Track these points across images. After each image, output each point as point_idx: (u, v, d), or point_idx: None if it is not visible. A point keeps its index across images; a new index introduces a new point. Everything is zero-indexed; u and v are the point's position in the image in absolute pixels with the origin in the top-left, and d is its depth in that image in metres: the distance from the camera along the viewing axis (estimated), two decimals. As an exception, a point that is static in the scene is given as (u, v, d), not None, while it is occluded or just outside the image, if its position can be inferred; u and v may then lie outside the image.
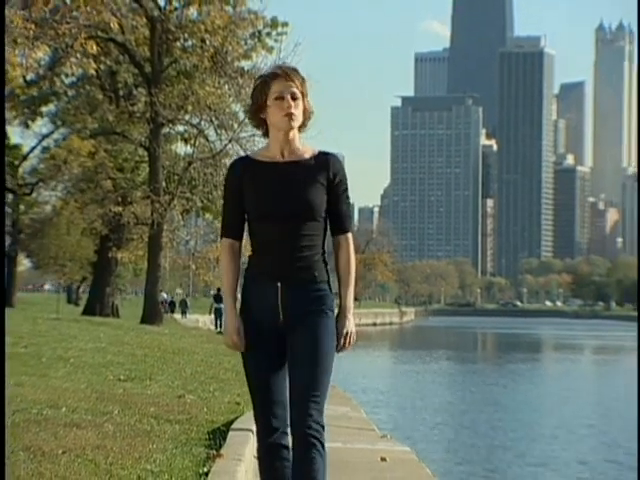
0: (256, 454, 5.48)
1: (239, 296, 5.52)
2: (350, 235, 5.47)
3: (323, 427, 5.20)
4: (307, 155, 5.34)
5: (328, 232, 5.42)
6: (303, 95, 5.31)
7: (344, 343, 5.37)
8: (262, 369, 5.34)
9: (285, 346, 5.31)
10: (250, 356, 5.37)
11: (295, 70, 5.34)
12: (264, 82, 5.31)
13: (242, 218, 5.38)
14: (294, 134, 5.31)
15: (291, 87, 5.27)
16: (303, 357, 5.23)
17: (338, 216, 5.39)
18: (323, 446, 5.19)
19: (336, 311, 5.38)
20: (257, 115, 5.36)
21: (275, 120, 5.28)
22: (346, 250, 5.43)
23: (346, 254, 5.43)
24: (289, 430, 5.30)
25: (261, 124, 5.38)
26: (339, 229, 5.42)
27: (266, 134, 5.39)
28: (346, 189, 5.39)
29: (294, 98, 5.26)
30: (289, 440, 5.31)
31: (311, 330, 5.24)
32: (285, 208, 5.22)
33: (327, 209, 5.34)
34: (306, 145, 5.39)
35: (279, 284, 5.27)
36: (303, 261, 5.27)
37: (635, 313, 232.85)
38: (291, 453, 5.28)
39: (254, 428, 9.29)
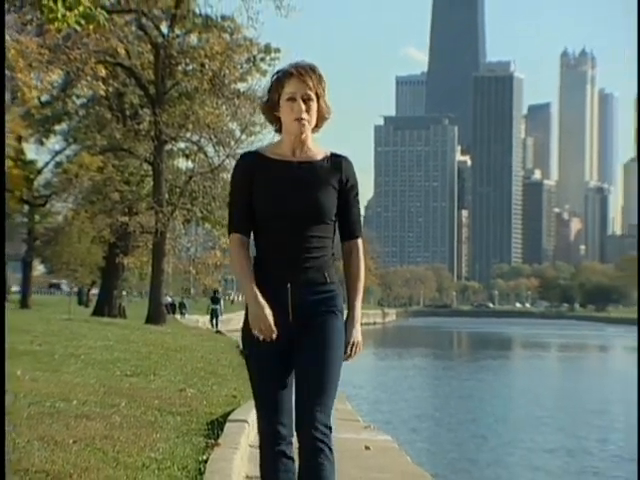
0: (259, 462, 4.86)
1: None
2: (360, 241, 4.96)
3: (330, 429, 4.71)
4: (320, 156, 4.82)
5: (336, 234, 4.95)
6: (318, 96, 4.75)
7: (350, 352, 4.87)
8: (270, 373, 4.77)
9: (293, 349, 4.77)
10: (257, 360, 4.79)
11: (311, 69, 4.76)
12: (278, 80, 4.77)
13: (250, 214, 4.79)
14: (306, 135, 4.77)
15: (304, 88, 4.71)
16: (312, 359, 4.73)
17: (349, 221, 4.87)
18: (331, 450, 4.68)
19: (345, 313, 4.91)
20: (271, 112, 4.82)
21: (286, 122, 4.75)
22: (356, 256, 4.91)
23: (356, 260, 4.91)
24: (293, 440, 4.77)
25: (275, 120, 4.84)
26: (349, 235, 4.90)
27: (279, 130, 4.85)
28: (357, 194, 4.90)
29: (307, 100, 4.72)
30: (294, 451, 4.77)
31: (321, 331, 4.74)
32: (295, 209, 4.69)
33: (337, 213, 4.83)
34: (318, 146, 4.87)
35: (289, 285, 4.73)
36: (313, 262, 4.73)
37: (597, 314, 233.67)
38: (295, 465, 4.76)
39: (250, 420, 9.35)
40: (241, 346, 4.96)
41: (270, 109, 4.81)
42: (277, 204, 4.71)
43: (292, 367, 4.78)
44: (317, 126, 4.83)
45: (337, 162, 4.81)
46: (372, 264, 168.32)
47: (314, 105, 4.74)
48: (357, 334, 4.87)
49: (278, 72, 4.81)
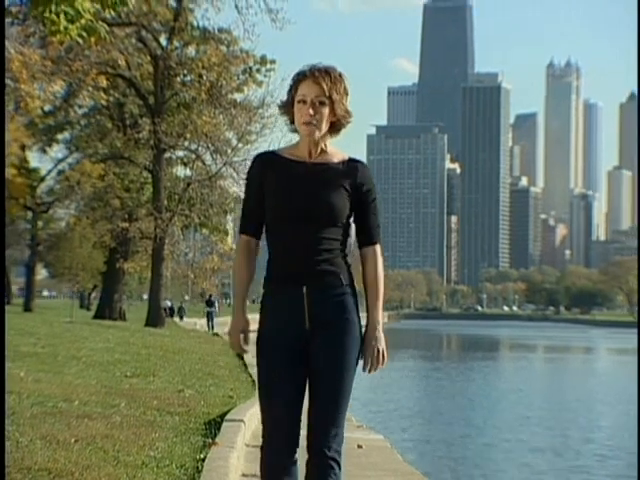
0: (260, 465, 4.54)
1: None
2: (378, 247, 4.67)
3: (343, 440, 4.50)
4: (336, 159, 4.57)
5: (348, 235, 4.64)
6: (332, 99, 4.47)
7: (375, 362, 4.56)
8: (283, 380, 4.45)
9: (306, 354, 4.49)
10: (270, 366, 4.49)
11: (326, 71, 4.49)
12: (294, 81, 4.53)
13: (262, 216, 4.59)
14: (319, 137, 4.50)
15: (316, 91, 4.45)
16: (327, 375, 4.46)
17: (366, 227, 4.61)
18: (340, 467, 4.49)
19: (362, 317, 4.62)
20: (290, 111, 4.55)
21: (297, 124, 4.52)
22: (374, 263, 4.62)
23: (374, 267, 4.62)
24: (297, 455, 4.49)
25: (293, 120, 4.58)
26: (367, 241, 4.63)
27: (297, 131, 4.59)
28: (375, 199, 4.63)
29: (319, 103, 4.46)
30: (298, 464, 4.50)
31: (337, 342, 4.47)
32: (305, 208, 4.46)
33: (354, 219, 4.60)
34: (337, 149, 4.63)
35: (305, 288, 4.46)
36: (326, 265, 4.47)
37: (582, 317, 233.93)
38: (298, 469, 4.51)
39: (246, 420, 9.34)
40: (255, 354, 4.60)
41: (287, 109, 4.57)
42: (288, 203, 4.49)
43: (306, 373, 4.49)
44: (334, 130, 4.57)
45: (352, 166, 4.58)
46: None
47: (325, 109, 4.48)
48: (379, 343, 4.56)
49: (297, 73, 4.56)
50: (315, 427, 4.46)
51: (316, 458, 4.45)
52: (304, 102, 4.47)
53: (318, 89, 4.46)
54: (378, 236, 4.66)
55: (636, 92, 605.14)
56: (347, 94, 4.55)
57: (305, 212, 4.46)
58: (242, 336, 4.56)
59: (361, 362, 4.58)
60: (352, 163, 4.59)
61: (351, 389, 4.52)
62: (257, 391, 4.60)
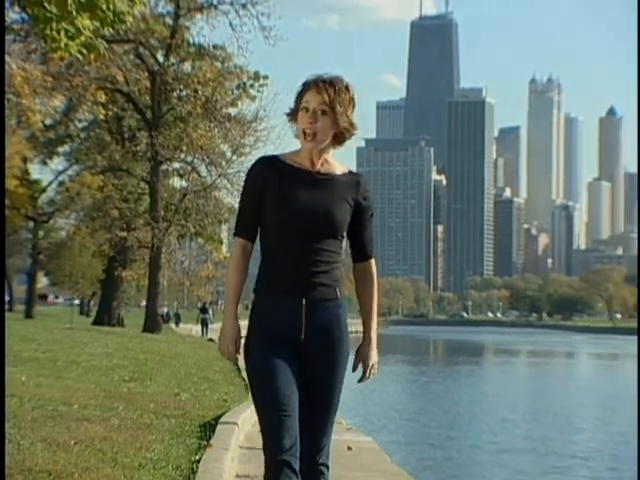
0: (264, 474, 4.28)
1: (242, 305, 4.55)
2: (373, 262, 4.52)
3: (329, 448, 4.43)
4: (338, 172, 4.40)
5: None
6: (334, 110, 4.30)
7: (368, 374, 4.50)
8: (279, 387, 4.23)
9: (298, 364, 4.33)
10: (265, 373, 4.27)
11: (330, 82, 4.33)
12: (300, 90, 4.38)
13: (258, 220, 4.38)
14: (319, 148, 4.33)
15: (318, 100, 4.29)
16: (321, 388, 4.35)
17: (362, 241, 4.47)
18: (328, 470, 4.43)
19: (351, 328, 4.55)
20: (296, 119, 4.37)
21: (299, 132, 4.35)
22: (370, 277, 4.49)
23: (370, 281, 4.50)
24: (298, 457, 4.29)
25: None
26: (363, 255, 4.49)
27: None
28: (373, 214, 4.48)
29: (320, 112, 4.30)
30: (298, 465, 4.28)
31: (331, 357, 4.34)
32: (309, 220, 4.26)
33: (351, 233, 4.42)
34: (335, 161, 4.44)
35: (304, 300, 4.30)
36: (326, 277, 4.31)
37: (564, 323, 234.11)
38: None
39: (239, 422, 9.33)
40: (242, 360, 4.43)
41: (293, 117, 4.37)
42: (290, 211, 4.27)
43: (297, 381, 4.31)
44: (338, 141, 4.40)
45: (355, 179, 4.41)
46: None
47: (326, 119, 4.30)
48: (373, 356, 4.50)
49: (303, 82, 4.40)
50: (306, 437, 4.32)
51: (307, 465, 4.33)
52: (307, 110, 4.31)
53: (320, 98, 4.29)
54: (373, 249, 4.52)
55: (615, 107, 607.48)
56: (353, 106, 4.41)
57: (307, 222, 4.27)
58: (233, 344, 4.38)
59: (353, 373, 4.51)
60: (354, 176, 4.43)
61: (340, 399, 4.44)
62: (252, 396, 4.38)
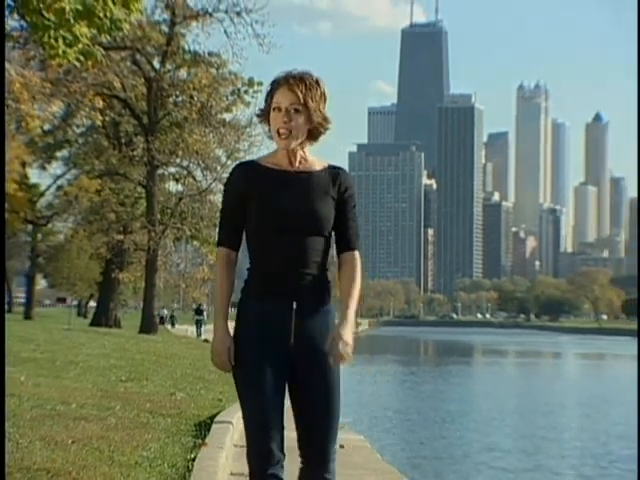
0: None
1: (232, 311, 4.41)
2: (357, 254, 4.28)
3: (334, 454, 4.22)
4: (317, 167, 4.22)
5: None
6: (307, 106, 4.12)
7: (342, 358, 4.17)
8: (264, 397, 4.07)
9: (288, 369, 4.14)
10: (251, 378, 4.11)
11: (301, 78, 4.15)
12: (269, 89, 4.21)
13: (242, 225, 4.20)
14: (296, 145, 4.16)
15: (290, 99, 4.11)
16: (318, 393, 4.15)
17: (346, 233, 4.23)
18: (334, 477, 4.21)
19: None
20: (268, 119, 4.22)
21: (272, 132, 4.19)
22: (353, 269, 4.23)
23: (353, 274, 4.22)
24: (284, 463, 4.13)
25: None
26: (347, 247, 4.24)
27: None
28: (355, 205, 4.27)
29: (293, 110, 4.12)
30: (284, 473, 4.12)
31: (324, 361, 4.12)
32: (292, 221, 4.09)
33: (335, 226, 4.22)
34: (315, 157, 4.27)
35: (295, 303, 4.11)
36: (313, 279, 4.12)
37: (551, 324, 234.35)
38: None
39: (234, 421, 9.32)
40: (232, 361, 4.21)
41: (264, 117, 4.23)
42: (275, 215, 4.10)
43: (285, 388, 4.16)
44: (313, 137, 4.22)
45: (335, 173, 4.23)
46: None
47: (300, 117, 4.12)
48: (345, 334, 4.08)
49: (272, 81, 4.22)
50: (310, 446, 4.16)
51: (313, 473, 4.17)
52: (279, 110, 4.14)
53: (293, 97, 4.11)
54: (358, 242, 4.29)
55: (601, 113, 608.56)
56: (325, 100, 4.20)
57: (291, 222, 4.09)
58: (226, 356, 4.13)
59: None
60: (334, 170, 4.25)
61: (340, 403, 4.22)
62: (239, 399, 4.21)
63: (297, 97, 4.11)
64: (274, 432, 4.07)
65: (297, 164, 4.20)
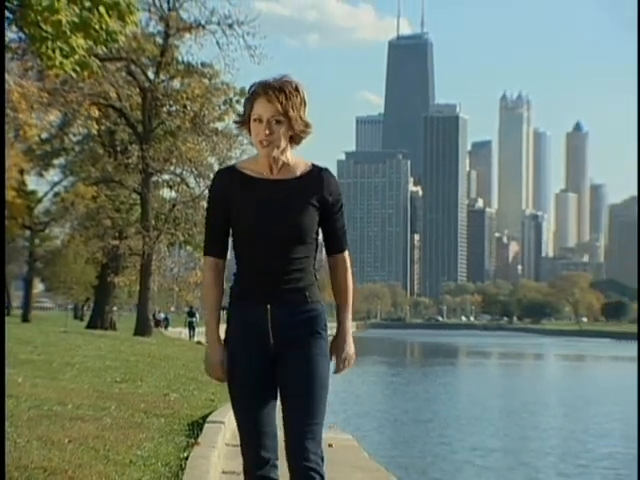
0: None
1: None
2: (347, 254, 4.20)
3: (322, 459, 4.03)
4: (299, 171, 4.06)
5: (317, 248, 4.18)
6: (288, 116, 3.97)
7: (342, 366, 4.20)
8: (252, 398, 4.03)
9: (274, 372, 4.06)
10: (238, 385, 4.06)
11: (280, 89, 3.97)
12: (248, 99, 4.03)
13: (227, 234, 4.11)
14: (278, 154, 4.01)
15: (271, 110, 3.95)
16: (297, 387, 4.02)
17: (334, 235, 4.13)
18: (323, 478, 4.02)
19: (331, 332, 4.18)
20: (247, 126, 4.05)
21: (254, 142, 4.03)
22: (343, 270, 4.17)
23: (343, 274, 4.17)
24: (278, 463, 4.07)
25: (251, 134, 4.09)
26: (335, 248, 4.15)
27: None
28: (342, 206, 4.13)
29: (274, 122, 3.97)
30: (278, 474, 4.06)
31: (305, 356, 4.03)
32: (273, 229, 3.98)
33: (322, 228, 4.11)
34: (298, 158, 4.10)
35: (268, 306, 4.02)
36: (292, 283, 4.02)
37: (533, 326, 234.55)
38: None
39: (226, 421, 9.32)
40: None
41: (243, 125, 4.08)
42: (250, 224, 4.00)
43: (274, 389, 4.07)
44: (294, 142, 4.07)
45: (318, 177, 4.07)
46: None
47: (281, 127, 3.97)
48: (348, 348, 4.17)
49: (250, 88, 4.05)
50: (293, 444, 4.00)
51: (297, 473, 4.00)
52: (260, 121, 3.98)
53: (273, 108, 3.95)
54: (346, 242, 4.19)
55: (581, 123, 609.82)
56: (305, 105, 4.05)
57: (272, 232, 3.99)
58: (221, 368, 4.09)
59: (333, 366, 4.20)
60: (317, 173, 4.08)
61: (326, 402, 4.08)
62: (230, 401, 4.16)
63: (277, 109, 3.96)
64: (266, 434, 4.02)
65: (277, 171, 4.06)
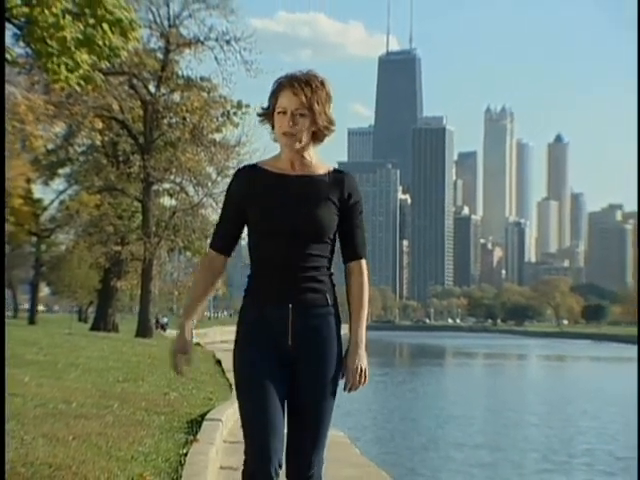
0: None
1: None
2: (364, 262, 3.91)
3: (322, 464, 3.91)
4: (321, 171, 3.86)
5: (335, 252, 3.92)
6: (312, 110, 3.75)
7: (356, 381, 3.86)
8: (266, 398, 3.71)
9: (287, 370, 3.80)
10: (253, 390, 3.73)
11: (306, 82, 3.76)
12: (273, 91, 3.81)
13: (237, 232, 3.88)
14: (300, 147, 3.79)
15: (296, 103, 3.73)
16: (309, 400, 3.80)
17: (352, 241, 3.88)
18: None
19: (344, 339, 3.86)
20: (271, 119, 3.83)
21: (277, 134, 3.80)
22: (360, 278, 3.88)
23: (360, 283, 3.88)
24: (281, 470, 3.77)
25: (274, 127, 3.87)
26: (353, 255, 3.89)
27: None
28: (361, 212, 3.93)
29: (298, 114, 3.75)
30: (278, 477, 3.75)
31: (320, 364, 3.79)
32: (293, 225, 3.72)
33: (340, 233, 3.86)
34: (321, 160, 3.91)
35: (290, 306, 3.75)
36: (313, 282, 3.76)
37: (516, 328, 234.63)
38: None
39: (223, 419, 9.30)
40: (232, 367, 3.88)
41: (267, 117, 3.84)
42: (270, 220, 3.75)
43: (285, 389, 3.79)
44: (317, 139, 3.86)
45: (339, 178, 3.87)
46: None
47: (306, 120, 3.75)
48: (361, 361, 3.85)
49: (276, 81, 3.82)
50: (296, 451, 3.83)
51: (296, 476, 3.84)
52: (284, 113, 3.76)
53: (298, 101, 3.73)
54: (365, 251, 3.92)
55: (562, 134, 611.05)
56: (330, 101, 3.83)
57: (291, 228, 3.73)
58: (183, 358, 3.86)
59: (341, 381, 3.88)
60: (338, 174, 3.89)
61: (332, 412, 3.87)
62: (238, 406, 3.84)
63: (302, 102, 3.74)
64: (272, 436, 3.69)
65: (299, 167, 3.84)
